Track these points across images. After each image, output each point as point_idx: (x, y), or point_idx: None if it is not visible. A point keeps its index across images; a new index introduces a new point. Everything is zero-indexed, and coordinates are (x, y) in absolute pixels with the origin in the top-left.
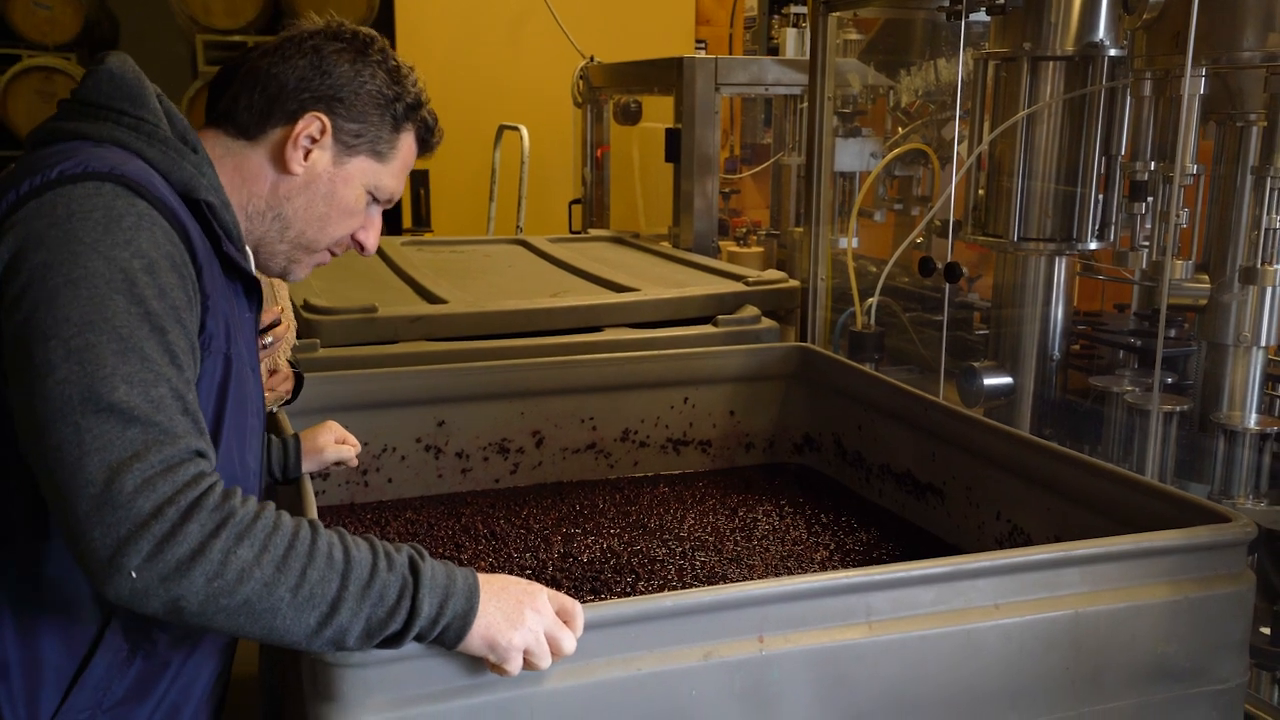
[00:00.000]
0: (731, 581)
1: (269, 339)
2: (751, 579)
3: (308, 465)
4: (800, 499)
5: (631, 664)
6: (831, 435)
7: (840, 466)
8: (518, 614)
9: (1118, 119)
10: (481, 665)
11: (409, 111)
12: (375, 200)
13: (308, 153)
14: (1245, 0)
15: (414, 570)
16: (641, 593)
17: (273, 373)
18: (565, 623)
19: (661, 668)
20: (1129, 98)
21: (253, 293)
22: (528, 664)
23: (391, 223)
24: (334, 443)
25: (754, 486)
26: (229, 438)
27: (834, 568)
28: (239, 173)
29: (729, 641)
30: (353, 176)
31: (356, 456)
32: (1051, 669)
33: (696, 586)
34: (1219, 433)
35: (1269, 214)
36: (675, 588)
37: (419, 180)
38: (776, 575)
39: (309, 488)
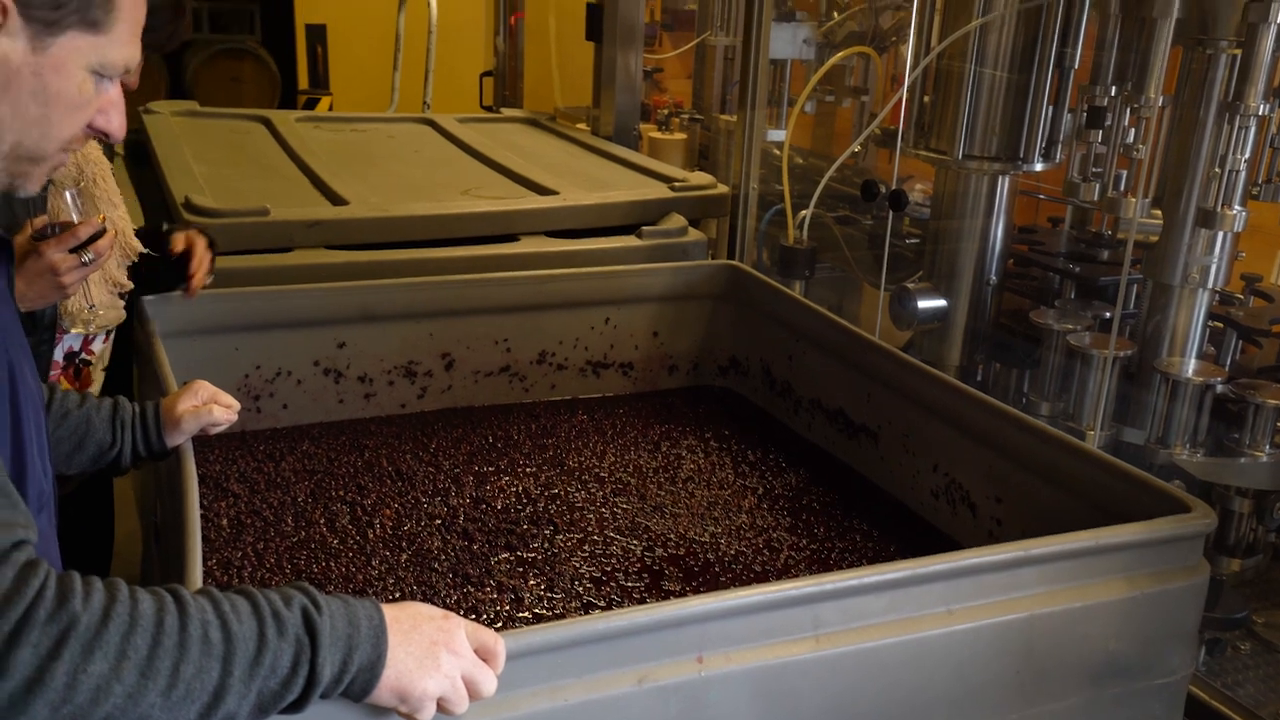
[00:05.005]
0: (655, 534)
1: (89, 255)
2: (676, 531)
3: (172, 438)
4: (725, 431)
5: (559, 694)
6: (760, 361)
7: (767, 395)
8: (431, 658)
9: (1074, 31)
10: (388, 711)
11: None
12: (105, 77)
13: None
14: None
15: (309, 627)
16: (560, 547)
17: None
18: (485, 660)
19: (591, 696)
20: (1086, 8)
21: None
22: (442, 710)
23: (287, 86)
24: (194, 407)
25: (677, 414)
26: (30, 452)
27: (763, 516)
28: None
29: (665, 663)
30: (65, 61)
31: (234, 410)
32: (1002, 673)
33: (617, 541)
34: (1159, 380)
35: (1234, 153)
36: (596, 541)
37: (315, 36)
38: (702, 525)
39: (190, 468)
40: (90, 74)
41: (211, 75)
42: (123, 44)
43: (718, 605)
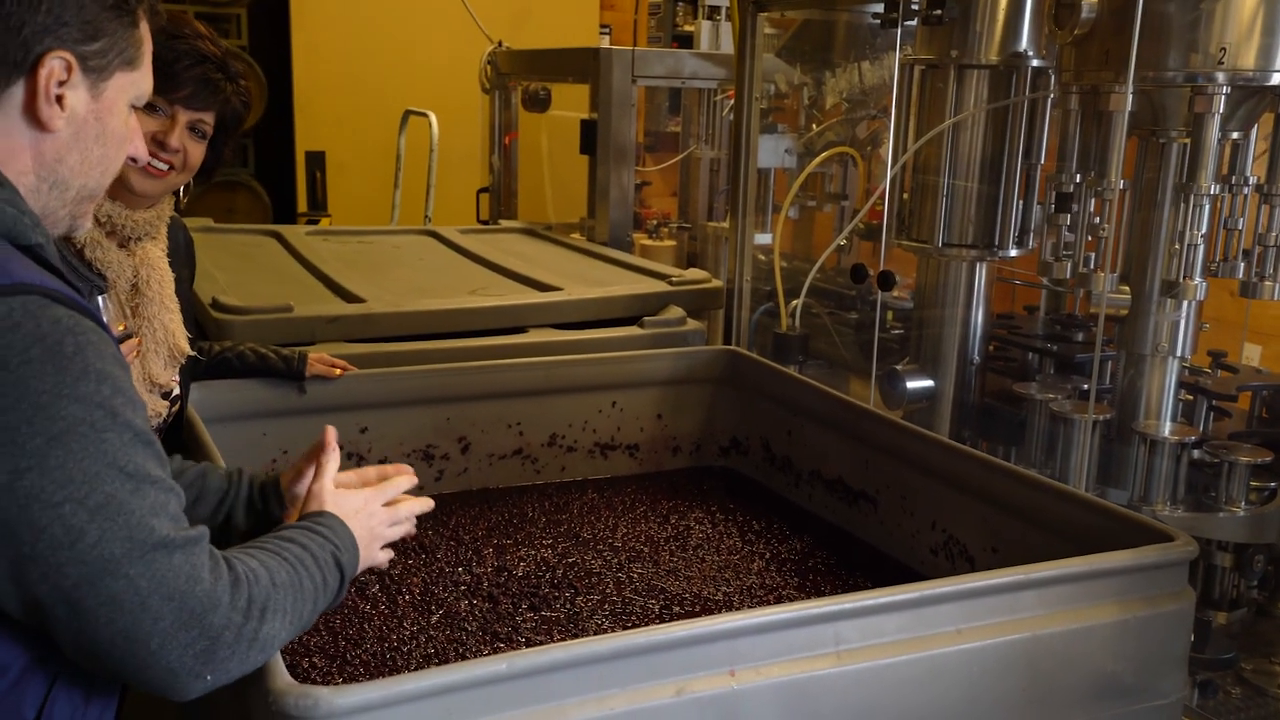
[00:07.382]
0: (671, 594)
1: None
2: (691, 591)
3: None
4: (730, 504)
5: (604, 703)
6: (760, 439)
7: (768, 471)
8: (372, 537)
9: (1039, 128)
10: None
11: None
12: (133, 108)
13: (61, 99)
14: (1171, 22)
15: (338, 562)
16: (581, 607)
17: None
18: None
19: (634, 705)
20: (1049, 107)
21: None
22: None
23: (287, 207)
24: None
25: (682, 491)
26: None
27: (771, 577)
28: None
29: (701, 676)
30: (115, 100)
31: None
32: (1008, 691)
33: (636, 601)
34: (1138, 440)
35: (1191, 229)
36: (615, 601)
37: (315, 162)
38: (715, 585)
39: None
40: (129, 108)
41: (205, 208)
42: (148, 74)
43: (748, 622)
